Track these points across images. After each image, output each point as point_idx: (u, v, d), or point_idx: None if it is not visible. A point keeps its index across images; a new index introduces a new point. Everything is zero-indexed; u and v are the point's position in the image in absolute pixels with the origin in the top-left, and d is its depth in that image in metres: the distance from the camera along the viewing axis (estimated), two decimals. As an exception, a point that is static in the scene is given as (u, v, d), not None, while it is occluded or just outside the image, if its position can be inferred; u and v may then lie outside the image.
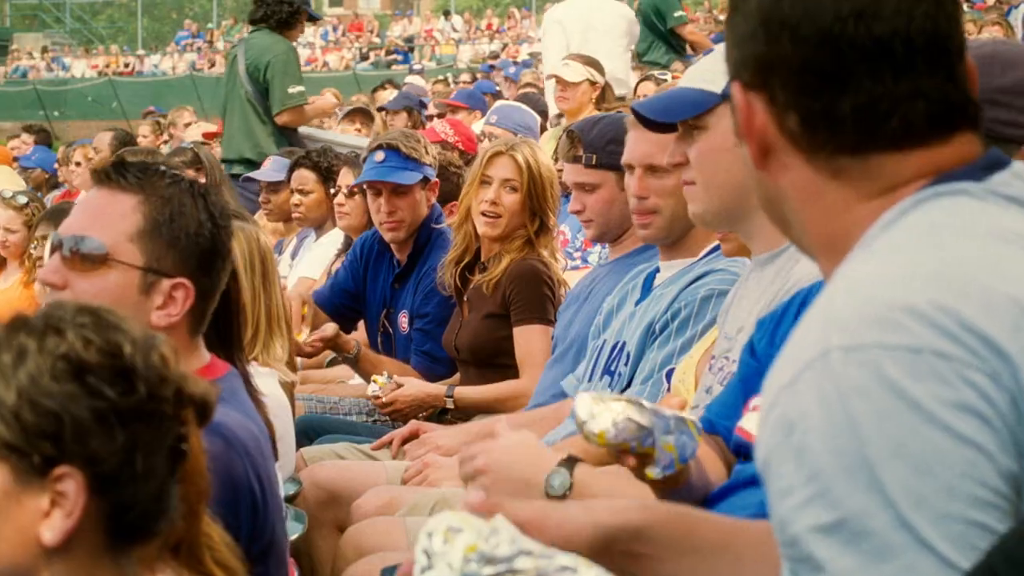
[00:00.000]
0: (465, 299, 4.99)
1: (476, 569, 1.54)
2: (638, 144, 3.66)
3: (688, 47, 11.28)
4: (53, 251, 2.57)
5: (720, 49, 3.06)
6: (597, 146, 4.20)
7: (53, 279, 2.53)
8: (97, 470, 1.65)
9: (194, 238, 2.53)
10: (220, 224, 2.57)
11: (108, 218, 2.53)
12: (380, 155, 5.39)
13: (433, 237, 5.41)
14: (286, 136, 8.60)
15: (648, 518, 1.87)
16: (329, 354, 5.66)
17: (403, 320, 5.40)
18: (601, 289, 4.23)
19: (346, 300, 5.61)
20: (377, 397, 4.85)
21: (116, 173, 2.55)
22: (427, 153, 5.42)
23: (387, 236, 5.46)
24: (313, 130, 8.96)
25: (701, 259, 3.66)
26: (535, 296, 4.73)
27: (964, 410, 1.32)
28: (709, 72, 2.92)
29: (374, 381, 4.88)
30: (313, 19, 9.26)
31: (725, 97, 2.87)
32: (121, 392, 1.66)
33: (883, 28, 1.48)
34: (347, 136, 9.15)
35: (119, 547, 1.70)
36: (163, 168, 2.61)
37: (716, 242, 3.57)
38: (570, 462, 2.56)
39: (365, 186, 5.45)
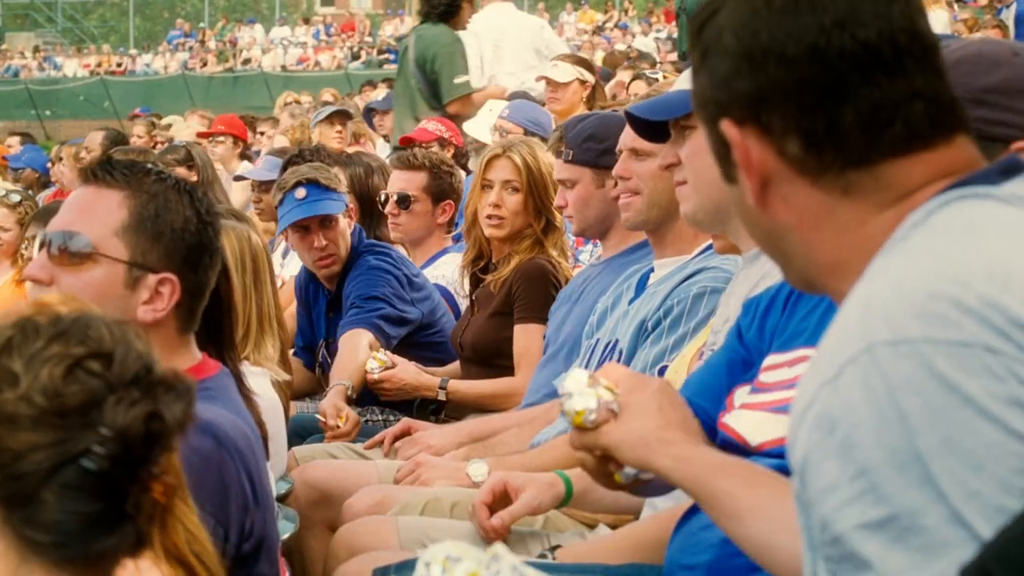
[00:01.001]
0: (474, 298, 5.01)
1: None
2: (626, 131, 3.71)
3: None
4: (41, 248, 2.58)
5: None
6: (574, 143, 4.24)
7: (39, 275, 2.54)
8: None
9: (180, 233, 2.54)
10: (207, 220, 2.58)
11: (94, 214, 2.54)
12: (301, 192, 5.26)
13: (356, 257, 5.35)
14: (457, 124, 8.71)
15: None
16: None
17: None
18: (594, 289, 4.23)
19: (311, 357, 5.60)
20: (371, 374, 4.87)
21: (103, 171, 2.57)
22: (340, 183, 5.43)
23: (322, 274, 5.39)
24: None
25: (694, 257, 3.67)
26: (539, 295, 4.72)
27: (1016, 405, 1.31)
28: None
29: (373, 358, 4.89)
30: None
31: None
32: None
33: (867, 33, 1.48)
34: None
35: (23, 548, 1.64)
36: (150, 166, 2.63)
37: (709, 241, 3.59)
38: None
39: (290, 229, 5.32)
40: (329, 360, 5.38)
